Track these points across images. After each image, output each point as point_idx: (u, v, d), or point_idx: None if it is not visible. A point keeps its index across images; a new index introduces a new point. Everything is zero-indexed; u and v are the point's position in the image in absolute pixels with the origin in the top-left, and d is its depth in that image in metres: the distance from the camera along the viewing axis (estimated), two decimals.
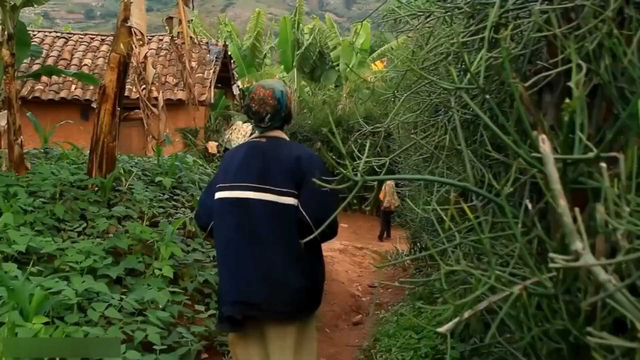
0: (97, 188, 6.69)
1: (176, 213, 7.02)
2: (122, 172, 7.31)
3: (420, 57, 3.81)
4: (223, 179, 3.75)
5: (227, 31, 28.21)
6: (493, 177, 2.62)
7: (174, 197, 7.46)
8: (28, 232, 5.36)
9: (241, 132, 20.51)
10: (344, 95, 24.29)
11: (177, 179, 7.85)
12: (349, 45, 26.96)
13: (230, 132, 20.56)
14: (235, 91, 23.49)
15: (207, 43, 21.43)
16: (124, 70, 6.80)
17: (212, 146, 20.20)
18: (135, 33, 6.63)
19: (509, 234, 2.28)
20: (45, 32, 21.99)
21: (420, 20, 3.62)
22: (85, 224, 6.00)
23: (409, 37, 5.47)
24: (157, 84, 6.74)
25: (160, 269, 5.39)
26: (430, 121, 4.27)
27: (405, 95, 4.45)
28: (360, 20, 27.60)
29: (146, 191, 7.09)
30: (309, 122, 20.71)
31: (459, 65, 3.47)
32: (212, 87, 19.95)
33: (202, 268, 5.97)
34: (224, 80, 22.83)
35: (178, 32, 7.06)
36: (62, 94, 18.97)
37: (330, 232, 3.70)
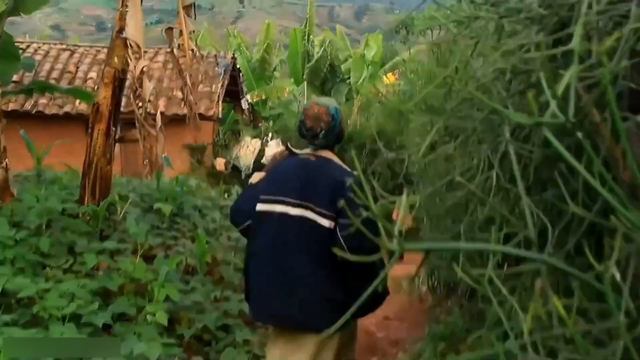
0: (89, 217, 6.05)
1: (176, 245, 6.38)
2: (118, 198, 6.69)
3: (460, 77, 3.24)
4: (266, 190, 3.89)
5: (237, 43, 27.68)
6: (558, 234, 2.01)
7: (174, 226, 6.83)
8: (7, 271, 4.73)
9: (250, 148, 19.84)
10: (355, 109, 23.67)
11: (178, 205, 7.21)
12: (360, 58, 26.48)
13: (238, 148, 19.92)
14: (244, 105, 22.93)
15: (215, 56, 20.85)
16: (119, 86, 6.17)
17: (220, 163, 19.50)
18: (130, 45, 5.99)
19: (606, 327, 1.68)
20: (50, 44, 21.45)
21: (460, 29, 3.05)
22: (73, 260, 5.36)
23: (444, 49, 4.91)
24: (154, 100, 6.10)
25: (154, 314, 4.74)
26: (469, 154, 3.63)
27: (442, 118, 3.82)
28: (372, 32, 27.05)
29: (143, 220, 6.46)
30: None
31: (513, 85, 2.85)
32: (220, 101, 19.34)
33: (202, 311, 5.33)
34: (233, 93, 22.26)
35: (179, 45, 6.42)
36: (66, 109, 18.36)
37: (368, 254, 3.03)
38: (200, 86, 19.24)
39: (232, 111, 23.48)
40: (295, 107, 25.81)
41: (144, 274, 5.13)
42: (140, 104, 6.11)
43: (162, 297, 4.87)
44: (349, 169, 4.00)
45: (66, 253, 5.46)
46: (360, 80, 26.04)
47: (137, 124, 6.08)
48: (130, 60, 5.92)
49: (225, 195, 9.31)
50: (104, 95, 6.12)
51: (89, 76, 19.41)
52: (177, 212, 7.10)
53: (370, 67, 26.59)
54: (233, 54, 21.80)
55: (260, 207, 3.86)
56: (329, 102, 4.03)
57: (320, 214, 3.71)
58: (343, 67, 26.90)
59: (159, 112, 6.19)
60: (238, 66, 22.22)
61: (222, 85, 19.65)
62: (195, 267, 5.97)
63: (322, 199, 3.71)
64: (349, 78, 26.75)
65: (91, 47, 21.63)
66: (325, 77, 27.43)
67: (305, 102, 23.26)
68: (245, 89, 23.27)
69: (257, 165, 19.22)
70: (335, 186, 3.69)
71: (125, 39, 6.01)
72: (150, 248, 5.99)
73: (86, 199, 6.16)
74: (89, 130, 6.17)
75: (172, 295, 4.94)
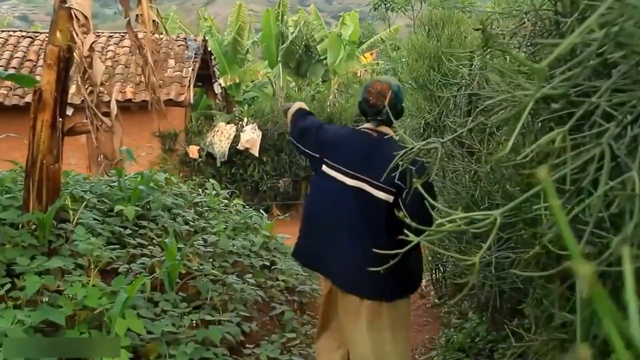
0: (34, 227, 4.99)
1: (141, 255, 5.35)
2: (71, 200, 5.63)
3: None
4: (333, 157, 4.10)
5: (207, 26, 26.49)
6: None
7: (139, 232, 5.78)
8: None
9: (224, 134, 18.81)
10: (334, 90, 22.65)
11: (143, 205, 6.16)
12: (336, 38, 25.38)
13: (212, 134, 18.86)
14: (217, 89, 21.85)
15: (185, 38, 19.73)
16: (65, 68, 5.08)
17: (194, 150, 18.54)
18: (76, 17, 4.89)
19: None
20: (9, 31, 20.17)
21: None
22: (11, 284, 4.29)
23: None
24: (108, 84, 5.03)
25: None
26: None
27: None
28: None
29: (100, 227, 5.42)
30: None
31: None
32: (192, 86, 18.25)
33: (174, 342, 4.30)
34: (205, 78, 21.19)
35: (137, 15, 5.29)
36: (28, 99, 17.15)
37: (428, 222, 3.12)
38: (170, 70, 18.26)
39: (205, 96, 22.48)
40: (271, 90, 24.81)
41: (98, 300, 4.08)
42: (90, 88, 5.00)
43: (122, 330, 3.84)
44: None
45: (4, 275, 4.41)
46: (338, 60, 25.01)
47: (87, 113, 4.96)
48: (77, 35, 4.83)
49: (200, 190, 8.22)
50: (47, 80, 5.04)
51: None
52: (142, 214, 6.05)
53: (347, 46, 25.54)
54: (204, 37, 20.72)
55: (324, 168, 4.14)
56: (391, 79, 4.32)
57: (377, 187, 3.92)
58: (319, 47, 25.80)
59: (113, 98, 5.06)
60: (209, 49, 21.13)
61: (192, 69, 18.58)
62: (165, 286, 4.94)
63: (380, 173, 3.72)
64: (325, 58, 25.68)
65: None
66: (300, 58, 26.38)
67: (280, 83, 22.31)
68: (217, 73, 22.19)
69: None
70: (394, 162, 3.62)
71: (70, 9, 4.90)
72: (109, 262, 4.94)
73: (31, 204, 5.10)
74: (31, 122, 5.08)
75: (136, 328, 3.92)
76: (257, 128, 18.83)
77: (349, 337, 4.13)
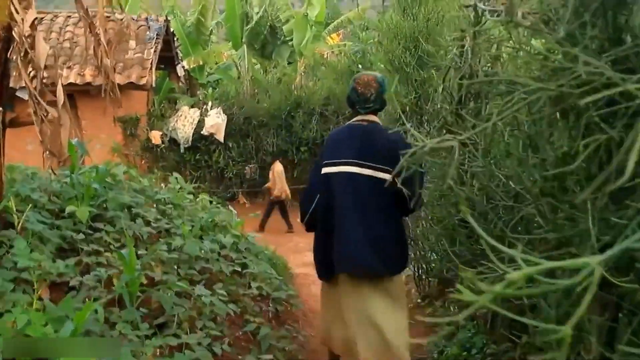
0: None
1: (97, 264, 4.70)
2: (18, 199, 4.96)
3: None
4: (330, 157, 4.62)
5: (170, 6, 25.57)
6: None
7: (94, 236, 5.11)
8: None
9: (188, 118, 18.10)
10: (301, 72, 21.98)
11: (99, 204, 5.49)
12: (302, 18, 24.70)
13: (175, 119, 18.14)
14: (180, 72, 21.13)
15: (146, 18, 18.93)
16: (5, 49, 4.37)
17: (156, 136, 17.84)
18: None
19: None
20: None
21: None
22: None
23: None
24: (54, 68, 4.36)
25: None
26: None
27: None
28: None
29: (50, 232, 4.75)
30: (265, 104, 18.29)
31: None
32: (153, 69, 17.50)
33: None
34: (167, 60, 20.44)
35: None
36: None
37: (419, 204, 4.50)
38: (130, 52, 17.53)
39: (167, 79, 21.73)
40: (235, 73, 24.09)
41: (43, 329, 3.44)
42: (32, 72, 4.29)
43: None
44: (395, 131, 4.71)
45: None
46: (304, 41, 24.37)
47: (30, 101, 4.24)
48: (17, 11, 4.12)
49: (163, 185, 7.54)
50: None
51: None
52: (98, 215, 5.38)
53: (313, 27, 24.90)
54: (166, 17, 19.95)
55: (326, 170, 4.60)
56: (375, 73, 4.85)
57: (379, 169, 4.39)
58: (284, 28, 25.10)
59: (60, 84, 4.35)
60: (172, 30, 20.36)
61: (154, 51, 17.88)
62: (123, 296, 4.29)
63: (380, 157, 4.39)
64: (291, 40, 25.05)
65: None
66: (265, 39, 25.69)
67: (245, 66, 21.62)
68: (180, 55, 21.43)
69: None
70: (390, 145, 4.34)
71: None
72: (59, 275, 4.29)
73: None
74: None
75: None
76: (221, 112, 18.17)
77: (358, 318, 4.48)
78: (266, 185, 16.55)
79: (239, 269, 5.84)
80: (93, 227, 5.20)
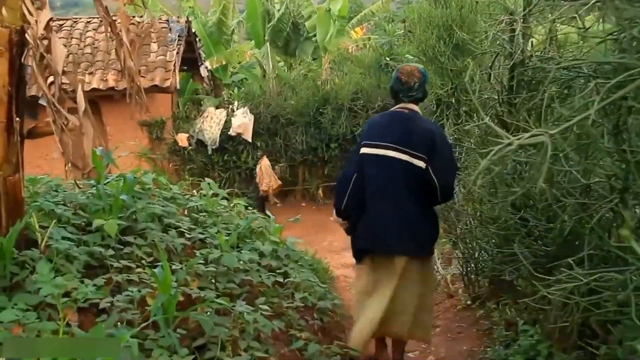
0: None
1: (128, 282, 4.32)
2: (41, 215, 4.61)
3: None
4: (369, 138, 4.89)
5: (189, 7, 25.23)
6: None
7: (124, 251, 4.73)
8: None
9: (214, 119, 17.73)
10: (326, 67, 21.55)
11: (128, 216, 5.11)
12: (325, 13, 24.22)
13: (202, 120, 17.78)
14: (204, 73, 20.81)
15: (167, 20, 18.58)
16: (19, 55, 3.99)
17: (182, 139, 17.48)
18: None
19: None
20: None
21: None
22: None
23: None
24: (74, 73, 3.98)
25: None
26: None
27: None
28: None
29: (77, 249, 4.39)
30: (292, 102, 17.87)
31: None
32: (177, 70, 17.16)
33: None
34: (190, 61, 20.12)
35: None
36: None
37: (449, 195, 5.05)
38: (153, 55, 17.22)
39: (191, 80, 21.40)
40: (259, 71, 23.70)
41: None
42: (51, 77, 3.91)
43: None
44: (431, 121, 5.56)
45: None
46: (327, 37, 23.88)
47: (47, 109, 3.84)
48: (29, 13, 3.73)
49: (195, 191, 7.14)
50: None
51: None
52: (128, 228, 5.00)
53: (336, 22, 24.39)
54: (187, 18, 19.54)
55: (365, 150, 4.80)
56: (417, 65, 5.10)
57: (416, 156, 4.61)
58: (307, 24, 24.62)
59: (80, 90, 3.94)
60: (194, 31, 20.00)
61: (177, 53, 17.50)
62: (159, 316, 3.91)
63: (417, 145, 4.63)
64: (314, 35, 24.55)
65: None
66: (288, 36, 25.19)
67: (269, 63, 21.21)
68: (203, 56, 21.08)
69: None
70: (428, 135, 4.68)
71: None
72: (86, 300, 3.91)
73: None
74: None
75: None
76: (248, 112, 17.75)
77: (391, 296, 4.71)
78: (256, 180, 16.52)
79: (281, 279, 5.43)
80: (123, 241, 4.83)
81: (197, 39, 20.43)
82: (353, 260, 10.57)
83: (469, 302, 7.26)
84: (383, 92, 16.75)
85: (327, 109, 17.34)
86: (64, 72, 3.79)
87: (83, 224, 4.92)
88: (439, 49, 9.52)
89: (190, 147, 17.54)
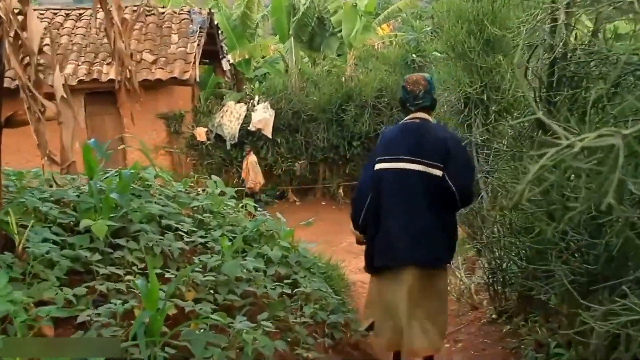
0: None
1: (115, 291, 3.84)
2: (23, 212, 4.15)
3: None
4: (382, 153, 4.79)
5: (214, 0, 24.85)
6: None
7: (114, 257, 4.25)
8: None
9: (234, 114, 17.30)
10: (350, 63, 21.07)
11: (122, 215, 4.62)
12: (351, 8, 23.74)
13: (221, 114, 17.35)
14: (226, 66, 20.39)
15: (189, 11, 18.18)
16: None
17: (201, 133, 17.08)
18: None
19: None
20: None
21: None
22: None
23: None
24: (52, 55, 3.49)
25: None
26: None
27: None
28: None
29: (60, 252, 3.92)
30: (314, 98, 17.40)
31: None
32: (197, 63, 16.74)
33: None
34: (212, 54, 19.73)
35: None
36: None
37: (469, 199, 4.93)
38: (173, 46, 16.84)
39: (213, 74, 21.00)
40: (282, 66, 23.26)
41: None
42: (26, 59, 3.42)
43: None
44: (444, 127, 5.81)
45: None
46: (353, 32, 23.40)
47: (22, 94, 3.34)
48: None
49: (200, 190, 6.62)
50: None
51: (44, 42, 16.66)
52: (120, 229, 4.52)
53: (362, 17, 23.91)
54: (209, 9, 19.14)
55: (379, 166, 4.77)
56: (423, 73, 5.62)
57: (431, 165, 4.57)
58: (333, 19, 24.21)
59: (57, 73, 3.44)
60: (216, 23, 19.59)
61: (198, 44, 17.10)
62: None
63: (431, 153, 4.59)
64: (340, 31, 24.13)
65: (46, 10, 18.79)
66: (313, 31, 24.78)
67: (293, 58, 20.80)
68: (226, 49, 20.67)
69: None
70: (440, 142, 4.64)
71: None
72: (69, 316, 3.45)
73: None
74: None
75: None
76: (269, 107, 17.32)
77: (402, 307, 4.60)
78: (242, 174, 16.05)
79: (289, 290, 4.90)
80: (113, 244, 4.34)
81: (220, 32, 20.00)
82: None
83: (494, 316, 6.71)
84: None
85: (350, 106, 16.89)
86: (40, 52, 3.30)
87: (71, 223, 4.45)
88: (469, 44, 9.02)
89: (208, 142, 17.14)
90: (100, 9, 3.77)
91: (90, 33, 17.08)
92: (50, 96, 3.43)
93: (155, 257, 4.24)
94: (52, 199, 4.65)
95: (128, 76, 3.82)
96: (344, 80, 18.25)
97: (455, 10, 9.46)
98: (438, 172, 4.53)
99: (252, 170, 15.24)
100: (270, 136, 17.12)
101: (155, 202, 5.09)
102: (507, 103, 8.79)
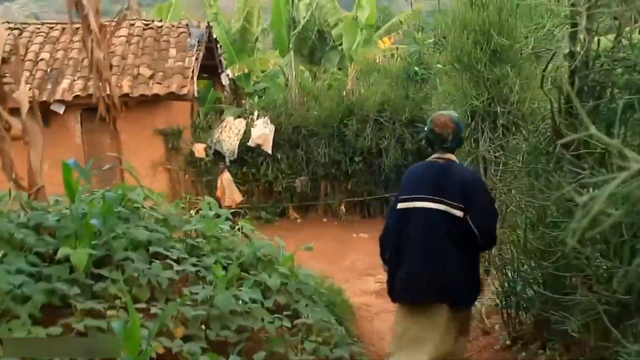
0: None
1: (96, 330, 3.44)
2: None
3: None
4: (406, 192, 4.89)
5: (213, 13, 24.52)
6: None
7: (95, 289, 3.86)
8: None
9: (233, 130, 16.90)
10: (352, 77, 20.75)
11: (105, 242, 4.23)
12: (352, 21, 23.49)
13: (220, 130, 16.96)
14: (225, 81, 20.03)
15: (187, 25, 17.84)
16: None
17: (199, 149, 16.68)
18: None
19: None
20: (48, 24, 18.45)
21: None
22: None
23: None
24: (17, 67, 3.12)
25: None
26: None
27: None
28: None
29: (36, 285, 3.53)
30: (315, 112, 17.02)
31: None
32: (195, 77, 16.38)
33: None
34: (211, 68, 19.37)
35: None
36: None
37: (491, 242, 4.95)
38: (171, 61, 16.50)
39: (212, 89, 20.68)
40: (282, 80, 22.96)
41: None
42: None
43: None
44: (469, 168, 6.15)
45: None
46: (354, 46, 23.14)
47: None
48: None
49: (192, 212, 6.20)
50: None
51: (40, 57, 16.53)
52: (102, 257, 4.13)
53: (363, 30, 23.63)
54: (208, 23, 18.76)
55: (401, 205, 4.87)
56: (450, 112, 5.15)
57: (453, 206, 4.62)
58: (333, 32, 23.97)
59: (23, 86, 3.06)
60: (215, 37, 19.25)
61: (196, 59, 16.72)
62: None
63: (454, 194, 4.64)
64: (340, 44, 23.88)
65: (42, 24, 18.51)
66: (313, 45, 24.56)
67: (293, 72, 20.48)
68: (225, 63, 20.33)
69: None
70: (463, 184, 4.71)
71: None
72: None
73: None
74: None
75: None
76: (269, 122, 16.91)
77: (428, 344, 4.59)
78: (217, 193, 15.69)
79: (288, 323, 4.48)
80: (94, 275, 3.95)
81: (219, 46, 19.67)
82: (375, 286, 9.88)
83: (508, 342, 6.31)
84: (411, 103, 16.03)
85: (351, 121, 16.49)
86: (4, 61, 2.93)
87: (51, 252, 4.06)
88: (475, 55, 8.70)
89: (207, 158, 16.75)
90: (76, 8, 3.39)
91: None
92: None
93: (141, 289, 3.84)
94: (30, 223, 4.25)
95: (107, 90, 3.43)
96: (345, 94, 17.88)
97: (460, 20, 9.16)
98: (460, 213, 4.59)
99: (227, 188, 14.79)
100: (270, 152, 16.70)
101: (144, 227, 4.69)
102: (515, 116, 8.48)
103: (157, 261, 4.31)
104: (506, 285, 6.31)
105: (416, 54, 18.06)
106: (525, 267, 5.69)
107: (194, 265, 4.60)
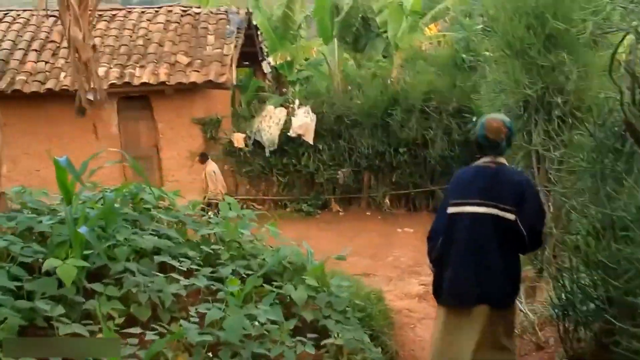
0: None
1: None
2: None
3: None
4: (454, 197, 4.85)
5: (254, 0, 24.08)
6: None
7: (85, 309, 3.31)
8: None
9: (273, 119, 16.40)
10: (397, 65, 20.07)
11: (97, 254, 3.67)
12: (397, 8, 22.79)
13: (260, 120, 16.46)
14: (266, 69, 19.61)
15: (226, 11, 17.38)
16: None
17: (239, 139, 16.25)
18: None
19: None
20: (32, 10, 18.13)
21: None
22: None
23: None
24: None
25: None
26: None
27: None
28: None
29: (15, 303, 3.01)
30: (358, 101, 16.44)
31: None
32: (234, 65, 15.92)
33: None
34: (251, 56, 18.88)
35: None
36: (49, 84, 15.21)
37: (538, 244, 4.92)
38: (209, 48, 16.08)
39: (253, 77, 20.21)
40: (326, 68, 22.41)
41: None
42: None
43: None
44: (517, 170, 6.00)
45: None
46: (399, 33, 22.42)
47: None
48: None
49: (210, 213, 5.61)
50: None
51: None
52: (98, 268, 3.57)
53: (409, 17, 22.92)
54: (248, 9, 18.29)
55: (451, 210, 4.80)
56: (502, 117, 5.02)
57: (504, 209, 4.59)
58: (378, 19, 23.25)
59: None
60: (255, 24, 18.74)
61: (235, 46, 16.27)
62: None
63: (505, 197, 4.61)
64: (385, 31, 23.12)
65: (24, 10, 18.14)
66: (357, 32, 23.81)
67: (336, 60, 19.96)
68: (266, 50, 19.84)
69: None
70: (515, 186, 4.70)
71: None
72: None
73: None
74: None
75: None
76: (310, 111, 16.37)
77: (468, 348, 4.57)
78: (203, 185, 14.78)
79: (312, 350, 3.83)
80: (85, 292, 3.40)
81: (259, 33, 19.17)
82: (418, 289, 9.31)
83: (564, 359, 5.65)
84: (458, 92, 15.40)
85: (396, 110, 15.92)
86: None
87: (40, 262, 3.52)
88: (528, 40, 8.04)
89: (247, 148, 16.28)
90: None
91: (122, 35, 16.45)
92: None
93: (140, 308, 3.28)
94: (18, 228, 3.72)
95: (85, 73, 2.88)
96: (389, 83, 17.32)
97: (511, 3, 8.50)
98: (511, 216, 4.56)
99: (210, 181, 14.03)
100: (311, 142, 16.21)
101: (153, 231, 4.12)
102: (573, 107, 7.84)
103: (161, 275, 3.73)
104: (563, 297, 5.65)
105: (464, 41, 17.38)
106: (587, 278, 5.05)
107: (208, 276, 4.00)
